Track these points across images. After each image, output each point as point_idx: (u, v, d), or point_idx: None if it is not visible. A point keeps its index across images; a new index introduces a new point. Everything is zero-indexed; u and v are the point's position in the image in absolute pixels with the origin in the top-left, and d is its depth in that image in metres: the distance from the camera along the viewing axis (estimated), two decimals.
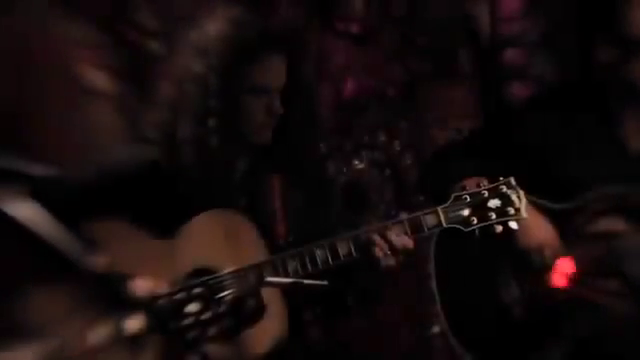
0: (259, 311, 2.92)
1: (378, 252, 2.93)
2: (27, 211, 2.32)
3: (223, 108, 2.96)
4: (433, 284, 3.72)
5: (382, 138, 5.09)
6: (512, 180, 3.04)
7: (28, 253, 2.58)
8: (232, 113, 2.98)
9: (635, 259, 3.59)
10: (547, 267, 3.55)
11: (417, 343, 5.00)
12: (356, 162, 5.02)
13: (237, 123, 2.99)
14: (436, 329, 4.87)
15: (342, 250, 2.95)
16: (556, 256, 3.56)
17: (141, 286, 2.56)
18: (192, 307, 2.56)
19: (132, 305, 2.43)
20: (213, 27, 3.02)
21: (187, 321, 2.54)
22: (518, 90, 5.30)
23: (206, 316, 2.56)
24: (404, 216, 3.01)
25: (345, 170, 4.97)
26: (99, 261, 2.39)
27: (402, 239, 2.95)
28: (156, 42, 4.27)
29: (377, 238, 2.93)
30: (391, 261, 2.95)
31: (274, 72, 3.03)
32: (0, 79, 3.84)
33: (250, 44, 2.99)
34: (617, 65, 3.55)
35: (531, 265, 3.55)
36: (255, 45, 2.99)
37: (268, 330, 2.94)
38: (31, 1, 3.96)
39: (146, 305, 2.44)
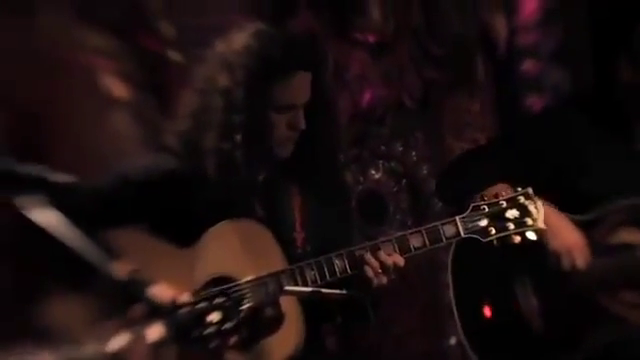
0: (278, 320, 2.93)
1: (369, 271, 2.93)
2: (49, 219, 2.33)
3: (248, 124, 2.96)
4: (450, 294, 3.73)
5: (399, 148, 5.10)
6: (530, 191, 3.04)
7: (50, 260, 2.59)
8: (257, 129, 2.98)
9: None
10: (574, 269, 3.55)
11: (434, 354, 5.00)
12: (373, 172, 5.03)
13: (261, 137, 2.99)
14: (453, 340, 4.87)
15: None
16: (584, 258, 3.57)
17: (162, 294, 2.57)
18: (213, 316, 2.56)
19: (153, 313, 2.44)
20: (239, 40, 3.03)
21: (208, 330, 2.55)
22: (534, 101, 5.31)
23: (227, 326, 2.57)
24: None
25: (362, 180, 4.98)
26: (120, 268, 2.41)
27: (393, 257, 2.95)
28: (176, 52, 4.29)
29: (369, 257, 2.93)
30: (383, 279, 2.95)
31: (299, 90, 3.02)
32: (23, 87, 3.88)
33: (276, 60, 2.98)
34: (636, 84, 3.58)
35: (559, 268, 3.55)
36: (281, 61, 2.99)
37: (286, 338, 2.95)
38: (53, 11, 4.01)
39: (167, 314, 2.45)
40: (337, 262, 2.94)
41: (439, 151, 5.16)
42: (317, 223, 3.14)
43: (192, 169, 3.00)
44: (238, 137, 2.97)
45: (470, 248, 3.18)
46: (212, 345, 2.56)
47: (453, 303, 3.71)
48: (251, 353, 2.89)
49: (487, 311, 3.65)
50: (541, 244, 3.47)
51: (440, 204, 4.88)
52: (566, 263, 3.56)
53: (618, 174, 3.64)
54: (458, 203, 3.05)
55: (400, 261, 2.95)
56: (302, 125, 3.02)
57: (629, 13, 3.73)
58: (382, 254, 2.94)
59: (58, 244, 2.32)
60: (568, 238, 3.56)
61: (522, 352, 3.66)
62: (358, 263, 2.94)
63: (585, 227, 3.61)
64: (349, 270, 2.95)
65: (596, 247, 3.60)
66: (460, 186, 3.55)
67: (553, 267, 3.56)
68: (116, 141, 4.04)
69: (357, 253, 2.95)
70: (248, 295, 2.87)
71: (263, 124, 2.99)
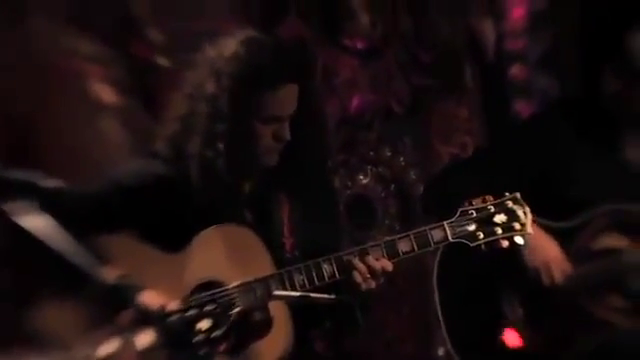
0: (266, 324, 2.94)
1: (357, 276, 2.93)
2: (39, 224, 2.34)
3: (232, 132, 2.97)
4: (435, 298, 3.74)
5: (387, 153, 5.11)
6: (518, 195, 3.05)
7: (40, 265, 2.60)
8: (241, 138, 2.98)
9: (637, 275, 3.61)
10: (554, 284, 3.57)
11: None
12: (361, 177, 5.04)
13: (245, 147, 3.00)
14: (441, 351, 4.87)
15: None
16: (563, 273, 3.59)
17: (152, 300, 2.58)
18: (203, 324, 2.57)
19: (143, 319, 2.45)
20: (228, 47, 3.03)
21: (198, 338, 2.55)
22: (521, 106, 5.33)
23: (217, 333, 2.57)
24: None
25: (350, 185, 4.99)
26: (110, 273, 2.41)
27: (381, 262, 2.96)
28: (164, 58, 4.29)
29: (357, 262, 2.94)
30: (371, 284, 2.96)
31: (286, 101, 3.02)
32: (13, 93, 3.88)
33: (263, 69, 2.99)
34: (623, 94, 3.60)
35: (537, 282, 3.57)
36: (268, 71, 2.99)
37: (274, 343, 2.95)
38: (43, 18, 4.01)
39: (157, 320, 2.46)
40: (326, 267, 2.95)
41: (427, 156, 5.17)
42: (306, 228, 3.14)
43: (180, 174, 3.01)
44: (221, 145, 2.97)
45: (456, 256, 3.19)
46: (201, 352, 2.57)
47: (438, 309, 3.72)
48: (240, 357, 2.90)
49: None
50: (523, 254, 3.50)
51: None
52: (545, 278, 3.58)
53: (603, 181, 3.66)
54: (442, 216, 3.06)
55: (388, 266, 2.96)
56: (287, 136, 3.02)
57: (617, 23, 3.75)
58: (370, 259, 2.95)
59: (48, 249, 2.33)
60: (547, 253, 3.58)
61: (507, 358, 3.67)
62: (346, 268, 2.94)
63: (569, 233, 3.62)
64: (337, 275, 2.95)
65: (580, 253, 3.62)
66: (444, 200, 3.55)
67: (533, 282, 3.58)
68: (105, 146, 4.04)
69: (345, 258, 2.96)
70: (237, 300, 2.88)
71: (246, 133, 3.00)
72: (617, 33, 3.67)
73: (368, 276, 2.94)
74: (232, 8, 4.59)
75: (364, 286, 2.94)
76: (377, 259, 2.95)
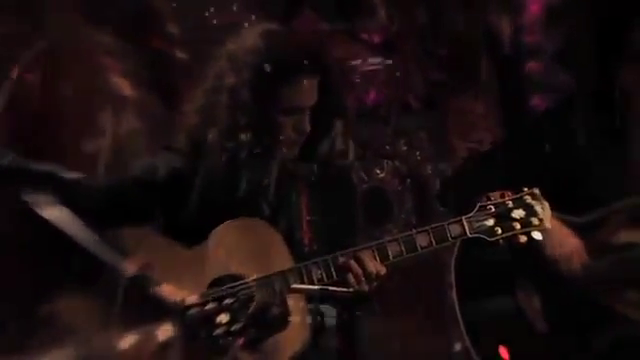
0: (284, 319, 2.95)
1: (351, 278, 2.94)
2: (59, 215, 2.35)
3: (254, 124, 2.98)
4: (453, 294, 3.73)
5: (403, 148, 5.11)
6: (536, 191, 3.05)
7: (60, 256, 2.61)
8: (263, 129, 2.99)
9: None
10: (572, 274, 3.57)
11: (439, 355, 5.01)
12: (377, 171, 5.05)
13: (266, 138, 3.01)
14: (458, 346, 4.87)
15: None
16: (582, 264, 3.58)
17: (172, 294, 2.59)
18: (222, 317, 2.58)
19: (163, 312, 2.46)
20: (248, 39, 3.04)
21: (217, 331, 2.56)
22: (538, 101, 5.32)
23: (236, 327, 2.58)
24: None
25: (366, 179, 4.99)
26: (130, 266, 2.43)
27: (376, 266, 2.96)
28: (183, 51, 4.30)
29: (353, 264, 2.95)
30: (365, 287, 2.97)
31: (306, 93, 3.03)
32: (32, 87, 3.90)
33: (282, 62, 3.00)
34: (633, 81, 3.59)
35: (556, 274, 3.57)
36: (287, 63, 3.00)
37: (292, 337, 2.96)
38: (61, 11, 4.02)
39: (177, 313, 2.47)
40: (343, 261, 2.96)
41: (443, 151, 5.17)
42: (324, 222, 3.15)
43: (199, 167, 3.02)
44: (243, 136, 2.98)
45: (474, 249, 3.19)
46: (220, 345, 2.58)
47: (456, 305, 3.72)
48: (259, 351, 2.91)
49: (504, 353, 3.66)
50: (543, 245, 3.49)
51: None
52: (564, 268, 3.57)
53: (619, 176, 3.65)
54: (459, 210, 3.06)
55: (382, 270, 2.97)
56: (307, 129, 3.03)
57: (630, 14, 3.74)
58: (367, 262, 2.95)
59: (67, 240, 2.34)
60: (567, 243, 3.58)
61: (526, 354, 3.67)
62: (342, 269, 2.94)
63: (588, 228, 3.61)
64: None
65: (600, 247, 3.61)
66: (462, 195, 3.55)
67: (552, 272, 3.58)
68: (124, 139, 4.06)
69: (363, 252, 2.97)
70: (256, 293, 2.89)
71: (268, 125, 3.01)
72: (629, 26, 3.65)
73: (362, 279, 2.95)
74: (248, 2, 4.60)
75: (357, 288, 2.95)
76: (372, 262, 2.96)
